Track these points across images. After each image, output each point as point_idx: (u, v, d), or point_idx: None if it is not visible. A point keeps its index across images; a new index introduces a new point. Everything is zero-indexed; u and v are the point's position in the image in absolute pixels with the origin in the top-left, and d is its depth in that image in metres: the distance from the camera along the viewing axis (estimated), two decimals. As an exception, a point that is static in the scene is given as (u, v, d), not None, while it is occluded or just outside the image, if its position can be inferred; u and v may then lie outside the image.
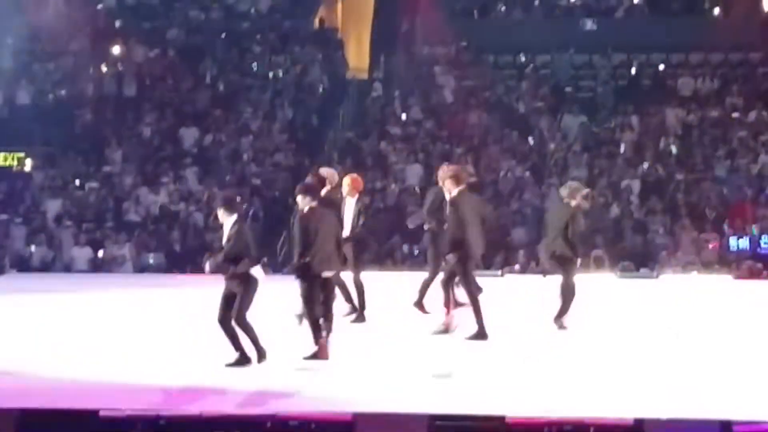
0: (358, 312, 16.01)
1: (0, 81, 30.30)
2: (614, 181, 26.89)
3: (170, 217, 26.20)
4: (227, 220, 13.07)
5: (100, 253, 25.02)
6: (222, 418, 11.26)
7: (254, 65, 31.09)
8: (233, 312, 12.96)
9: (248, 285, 12.96)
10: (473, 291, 14.54)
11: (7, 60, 31.03)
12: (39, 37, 30.67)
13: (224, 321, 12.98)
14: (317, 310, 13.30)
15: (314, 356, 13.25)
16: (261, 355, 13.10)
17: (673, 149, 27.77)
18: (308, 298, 13.25)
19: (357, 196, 16.02)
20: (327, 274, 13.38)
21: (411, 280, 17.97)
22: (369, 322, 15.83)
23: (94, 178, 27.57)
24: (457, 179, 14.38)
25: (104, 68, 30.93)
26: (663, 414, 11.24)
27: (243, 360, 13.01)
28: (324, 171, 15.98)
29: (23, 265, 24.74)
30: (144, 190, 27.00)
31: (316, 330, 13.27)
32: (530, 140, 28.65)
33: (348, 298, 15.96)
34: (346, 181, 16.10)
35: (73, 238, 25.30)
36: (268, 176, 27.57)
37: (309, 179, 15.21)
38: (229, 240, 13.03)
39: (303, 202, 13.34)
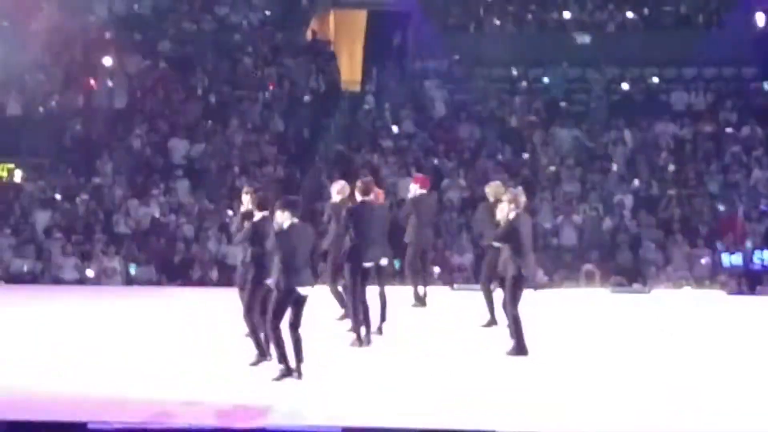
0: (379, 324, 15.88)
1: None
2: (607, 195, 26.84)
3: (160, 229, 26.08)
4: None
5: (90, 266, 24.88)
6: (211, 431, 11.19)
7: (245, 77, 31.00)
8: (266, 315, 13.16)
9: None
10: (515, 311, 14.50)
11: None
12: (29, 48, 30.54)
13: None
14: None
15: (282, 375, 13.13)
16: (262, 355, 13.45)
17: (667, 164, 27.71)
18: (277, 313, 13.15)
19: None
20: (304, 291, 13.27)
21: (400, 293, 17.89)
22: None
23: (84, 190, 27.44)
24: (516, 203, 14.52)
25: (95, 80, 30.81)
26: (657, 429, 11.18)
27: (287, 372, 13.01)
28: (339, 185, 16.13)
29: (11, 278, 24.58)
30: (134, 202, 26.88)
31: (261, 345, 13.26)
32: (523, 154, 28.58)
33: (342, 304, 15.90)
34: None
35: (62, 250, 25.16)
36: (258, 188, 27.43)
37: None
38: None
39: (282, 217, 13.23)
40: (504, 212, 14.65)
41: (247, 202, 15.23)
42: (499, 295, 15.50)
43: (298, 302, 13.20)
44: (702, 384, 13.31)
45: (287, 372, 13.10)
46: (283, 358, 13.11)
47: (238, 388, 12.99)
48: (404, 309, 17.53)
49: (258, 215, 14.02)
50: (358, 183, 15.55)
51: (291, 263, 13.04)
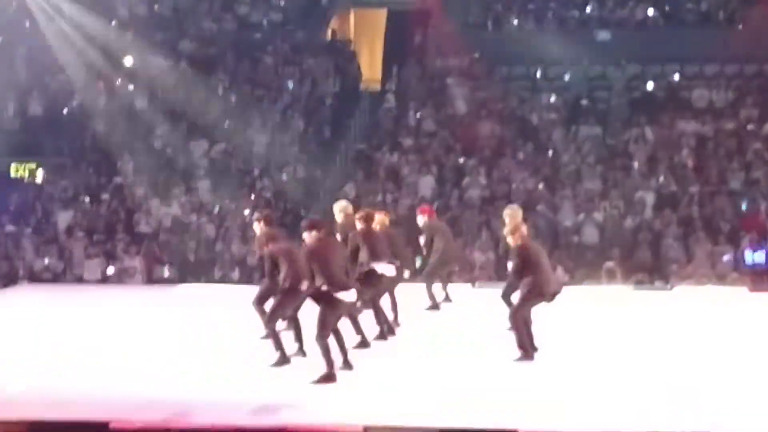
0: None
1: (12, 92, 30.27)
2: (628, 193, 26.75)
3: (182, 228, 26.13)
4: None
5: (111, 265, 24.95)
6: (232, 430, 11.20)
7: (266, 76, 31.02)
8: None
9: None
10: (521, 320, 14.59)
11: (19, 71, 31.01)
12: (51, 49, 30.62)
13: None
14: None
15: (323, 379, 13.14)
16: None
17: (688, 162, 27.62)
18: (327, 324, 13.24)
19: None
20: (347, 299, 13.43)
21: (421, 292, 17.92)
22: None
23: (106, 190, 27.53)
24: (519, 233, 14.73)
25: (116, 80, 30.88)
26: (677, 427, 11.14)
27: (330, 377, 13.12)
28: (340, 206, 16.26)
29: (34, 277, 24.67)
30: (156, 201, 26.94)
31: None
32: (544, 152, 28.51)
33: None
34: (378, 218, 16.28)
35: (84, 250, 25.23)
36: (280, 188, 27.50)
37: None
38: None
39: (311, 238, 13.43)
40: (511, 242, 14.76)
41: (259, 229, 15.34)
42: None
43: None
44: (724, 381, 13.26)
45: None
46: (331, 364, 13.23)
47: (259, 387, 13.01)
48: (423, 308, 17.59)
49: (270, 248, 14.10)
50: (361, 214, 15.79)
51: (331, 273, 13.22)
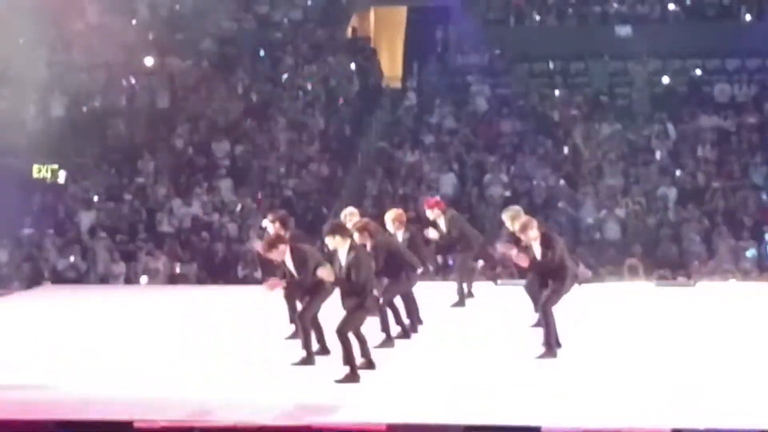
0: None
1: (34, 93, 30.37)
2: (650, 189, 26.70)
3: (203, 228, 26.17)
4: (341, 248, 13.24)
5: (133, 265, 25.01)
6: (256, 429, 11.21)
7: (286, 75, 31.07)
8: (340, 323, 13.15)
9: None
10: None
11: (41, 72, 31.10)
12: (73, 49, 30.72)
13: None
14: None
15: (346, 378, 13.13)
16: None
17: (710, 156, 27.54)
18: (355, 323, 13.24)
19: (403, 228, 16.15)
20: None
21: (442, 290, 17.91)
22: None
23: (128, 190, 27.61)
24: (530, 228, 14.51)
25: (137, 80, 30.97)
26: (700, 424, 11.11)
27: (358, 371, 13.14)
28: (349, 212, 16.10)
29: (58, 278, 24.75)
30: (177, 201, 27.00)
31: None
32: (565, 148, 28.48)
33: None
34: (390, 216, 16.17)
35: (107, 250, 25.30)
36: (301, 187, 27.52)
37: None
38: (349, 269, 13.14)
39: (334, 243, 13.35)
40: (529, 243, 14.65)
41: (274, 229, 15.32)
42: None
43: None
44: (748, 378, 13.22)
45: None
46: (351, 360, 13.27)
47: (282, 386, 13.02)
48: (448, 304, 17.57)
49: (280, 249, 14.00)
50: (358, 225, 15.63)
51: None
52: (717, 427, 10.99)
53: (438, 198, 19.34)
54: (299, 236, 15.30)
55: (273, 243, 13.99)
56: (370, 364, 13.48)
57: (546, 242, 14.38)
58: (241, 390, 12.84)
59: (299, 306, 14.27)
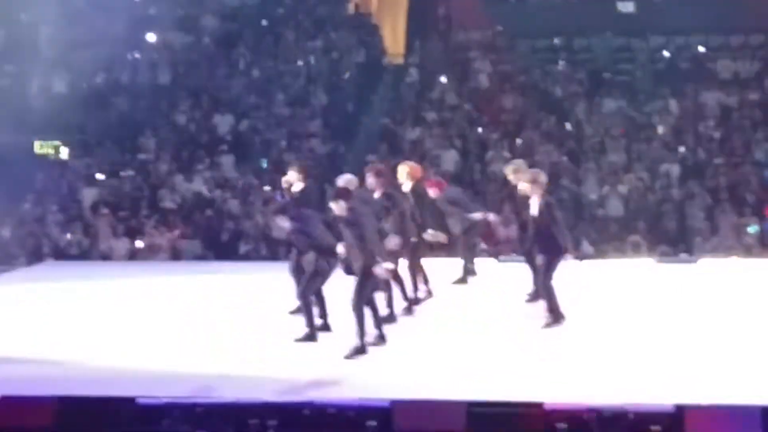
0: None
1: (36, 69, 30.33)
2: (652, 165, 26.66)
3: (206, 204, 26.17)
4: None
5: (136, 241, 25.02)
6: (259, 405, 11.24)
7: (288, 51, 30.99)
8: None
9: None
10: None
11: (42, 48, 31.05)
12: (74, 25, 30.65)
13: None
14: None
15: (355, 352, 13.15)
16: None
17: (713, 133, 27.50)
18: (363, 293, 13.24)
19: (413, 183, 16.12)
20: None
21: (444, 266, 17.91)
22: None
23: (130, 166, 27.59)
24: (539, 184, 14.60)
25: (139, 56, 30.92)
26: (703, 400, 11.12)
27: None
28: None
29: (60, 254, 24.76)
30: (179, 177, 26.98)
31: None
32: (567, 125, 28.43)
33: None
34: (404, 169, 16.15)
35: (110, 227, 25.30)
36: (303, 162, 27.46)
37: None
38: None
39: (339, 208, 13.29)
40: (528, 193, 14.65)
41: (294, 178, 15.31)
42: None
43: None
44: (750, 353, 13.23)
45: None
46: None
47: (285, 363, 13.04)
48: (451, 281, 17.58)
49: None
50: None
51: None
52: (720, 402, 11.01)
53: (440, 178, 19.23)
54: None
55: None
56: (381, 338, 13.49)
57: (546, 206, 14.42)
58: (243, 366, 12.86)
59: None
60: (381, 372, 12.57)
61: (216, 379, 12.20)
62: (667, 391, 11.47)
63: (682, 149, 27.10)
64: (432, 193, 17.17)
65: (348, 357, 12.98)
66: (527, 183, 14.75)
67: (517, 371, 12.52)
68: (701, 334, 14.40)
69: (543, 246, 14.54)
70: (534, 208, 14.54)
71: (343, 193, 13.43)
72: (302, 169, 15.78)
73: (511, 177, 16.17)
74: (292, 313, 15.12)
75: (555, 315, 14.40)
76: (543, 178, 14.81)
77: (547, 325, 14.35)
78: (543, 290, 14.62)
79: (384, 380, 12.20)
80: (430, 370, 12.61)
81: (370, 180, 15.27)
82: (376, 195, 15.13)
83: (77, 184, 27.15)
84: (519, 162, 16.56)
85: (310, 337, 13.96)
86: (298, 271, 14.91)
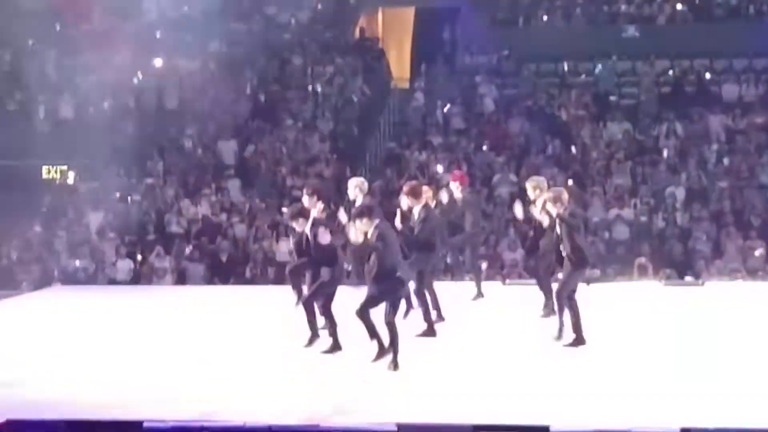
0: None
1: (42, 94, 30.45)
2: (658, 188, 26.71)
3: (212, 228, 26.21)
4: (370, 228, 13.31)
5: (142, 266, 25.06)
6: (265, 430, 11.24)
7: (294, 76, 31.11)
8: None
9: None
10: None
11: (49, 73, 31.18)
12: (81, 50, 30.78)
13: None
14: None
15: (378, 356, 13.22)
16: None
17: (718, 156, 27.55)
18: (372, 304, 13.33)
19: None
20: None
21: (453, 289, 17.94)
22: (412, 330, 15.69)
23: (136, 191, 27.66)
24: (561, 201, 14.60)
25: (146, 81, 31.02)
26: (709, 423, 11.12)
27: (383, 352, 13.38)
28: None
29: (67, 278, 24.82)
30: (186, 201, 27.04)
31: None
32: (573, 148, 28.50)
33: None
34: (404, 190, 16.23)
35: (116, 250, 25.36)
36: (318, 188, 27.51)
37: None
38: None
39: (364, 226, 13.31)
40: (547, 210, 14.67)
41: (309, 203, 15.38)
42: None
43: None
44: (757, 375, 13.23)
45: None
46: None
47: (291, 386, 13.05)
48: (458, 305, 17.59)
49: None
50: (406, 188, 15.66)
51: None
52: (726, 426, 11.01)
53: (462, 173, 19.06)
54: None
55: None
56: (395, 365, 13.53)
57: (569, 221, 14.44)
58: (250, 390, 12.87)
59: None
60: (387, 395, 12.58)
61: (223, 402, 12.21)
62: (673, 414, 11.47)
63: (687, 173, 27.14)
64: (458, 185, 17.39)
65: (374, 361, 13.27)
66: (550, 202, 14.74)
67: (523, 394, 12.52)
68: (707, 357, 14.40)
69: (569, 259, 14.50)
70: (557, 225, 14.57)
71: (367, 211, 13.49)
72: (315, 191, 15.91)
73: (530, 193, 16.13)
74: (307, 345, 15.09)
75: (578, 335, 14.46)
76: (566, 196, 14.85)
77: (571, 344, 14.43)
78: (559, 307, 14.68)
79: (390, 403, 12.21)
80: (435, 393, 12.62)
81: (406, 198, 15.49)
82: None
83: (84, 209, 27.22)
84: (539, 179, 16.50)
85: (335, 347, 14.13)
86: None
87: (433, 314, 15.92)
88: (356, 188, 16.07)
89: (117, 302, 19.97)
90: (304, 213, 14.89)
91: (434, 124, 29.97)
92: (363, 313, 13.28)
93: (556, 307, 14.96)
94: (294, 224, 14.85)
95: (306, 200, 15.24)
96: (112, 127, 29.70)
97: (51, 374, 13.88)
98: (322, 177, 27.55)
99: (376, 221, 13.29)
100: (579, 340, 14.50)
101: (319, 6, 33.69)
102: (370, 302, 13.33)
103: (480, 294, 18.26)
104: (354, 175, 28.08)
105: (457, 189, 17.56)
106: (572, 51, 31.58)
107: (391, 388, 12.90)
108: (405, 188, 15.73)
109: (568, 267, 14.50)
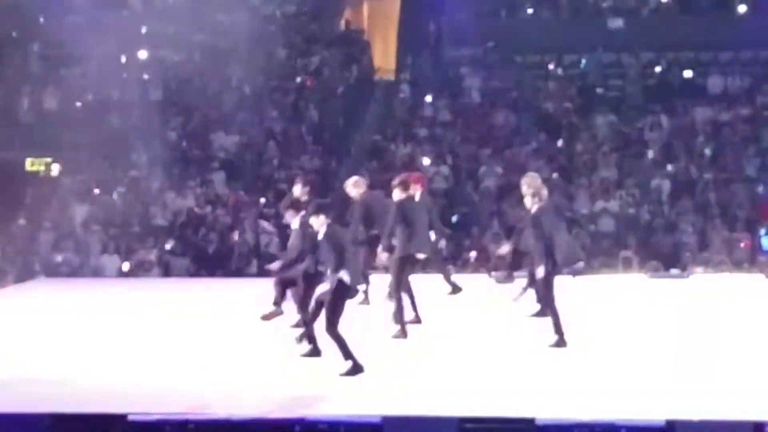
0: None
1: (27, 86, 30.32)
2: (643, 181, 26.71)
3: (197, 221, 26.15)
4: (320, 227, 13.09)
5: (127, 258, 24.99)
6: (250, 422, 11.23)
7: (279, 68, 31.04)
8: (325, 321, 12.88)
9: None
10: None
11: (33, 65, 31.05)
12: (65, 42, 30.66)
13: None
14: None
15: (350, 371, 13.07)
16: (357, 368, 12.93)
17: (704, 149, 27.57)
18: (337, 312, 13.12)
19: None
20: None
21: (436, 282, 17.92)
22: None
23: (121, 183, 27.57)
24: (539, 196, 14.60)
25: (130, 73, 30.90)
26: (695, 415, 11.13)
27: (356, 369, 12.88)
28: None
29: (51, 271, 24.73)
30: (171, 194, 26.96)
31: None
32: (558, 141, 28.49)
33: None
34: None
35: (101, 244, 25.28)
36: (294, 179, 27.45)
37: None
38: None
39: (318, 222, 13.16)
40: (528, 205, 14.70)
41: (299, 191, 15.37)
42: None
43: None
44: (741, 369, 13.25)
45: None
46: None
47: (277, 379, 13.02)
48: (440, 298, 17.57)
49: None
50: (396, 180, 15.60)
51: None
52: (711, 418, 11.02)
53: (420, 176, 18.73)
54: None
55: None
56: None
57: (535, 219, 14.46)
58: (235, 383, 12.84)
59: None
60: (373, 388, 12.56)
61: (208, 395, 12.18)
62: (658, 406, 11.47)
63: (673, 165, 27.15)
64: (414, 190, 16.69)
65: (344, 375, 12.92)
66: (529, 196, 14.75)
67: (509, 387, 12.51)
68: (693, 349, 14.41)
69: (539, 258, 14.50)
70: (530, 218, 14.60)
71: (324, 208, 13.34)
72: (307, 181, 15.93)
73: (524, 188, 16.07)
74: (294, 326, 15.02)
75: (559, 336, 14.40)
76: (545, 192, 14.82)
77: (554, 345, 14.35)
78: (545, 303, 14.70)
79: (376, 396, 12.19)
80: (421, 386, 12.60)
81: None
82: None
83: (68, 201, 27.12)
84: (533, 174, 16.40)
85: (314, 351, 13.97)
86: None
87: (411, 315, 15.81)
88: (353, 187, 16.25)
89: (102, 295, 19.93)
90: (295, 204, 14.84)
91: (420, 116, 29.91)
92: (332, 330, 12.98)
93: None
94: (287, 215, 14.78)
95: (297, 189, 15.26)
96: (97, 119, 29.59)
97: (36, 367, 13.84)
98: (306, 169, 27.50)
99: (328, 221, 13.14)
100: (560, 342, 14.41)
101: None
102: (330, 314, 13.05)
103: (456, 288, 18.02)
104: (339, 167, 28.13)
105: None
106: (558, 43, 31.54)
107: (377, 380, 12.87)
108: (394, 180, 15.66)
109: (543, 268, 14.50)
